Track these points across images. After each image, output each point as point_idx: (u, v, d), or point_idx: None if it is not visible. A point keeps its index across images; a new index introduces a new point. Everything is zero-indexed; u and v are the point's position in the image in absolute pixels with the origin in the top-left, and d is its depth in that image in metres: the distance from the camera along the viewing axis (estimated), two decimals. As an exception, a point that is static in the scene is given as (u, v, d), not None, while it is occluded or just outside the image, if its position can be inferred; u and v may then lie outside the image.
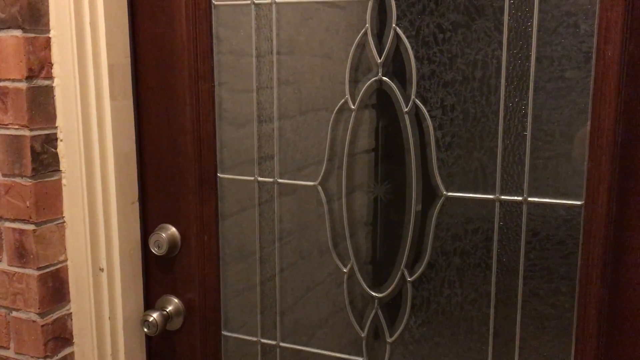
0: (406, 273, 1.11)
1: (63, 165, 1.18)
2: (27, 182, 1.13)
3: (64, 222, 1.20)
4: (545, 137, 0.98)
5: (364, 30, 1.07)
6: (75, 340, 1.23)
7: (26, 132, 1.12)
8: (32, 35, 1.11)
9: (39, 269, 1.16)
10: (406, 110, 1.06)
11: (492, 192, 1.02)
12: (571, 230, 0.98)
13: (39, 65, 1.12)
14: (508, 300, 1.03)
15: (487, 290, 1.04)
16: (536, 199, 0.99)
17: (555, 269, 1.00)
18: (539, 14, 0.95)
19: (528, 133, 0.98)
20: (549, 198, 0.98)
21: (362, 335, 1.16)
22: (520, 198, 1.00)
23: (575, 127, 0.96)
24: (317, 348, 1.21)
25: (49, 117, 1.15)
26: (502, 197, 1.01)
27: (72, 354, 1.23)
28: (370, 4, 1.06)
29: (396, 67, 1.07)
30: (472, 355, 1.08)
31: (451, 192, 1.05)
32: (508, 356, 1.05)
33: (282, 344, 1.23)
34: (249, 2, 1.14)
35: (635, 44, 0.90)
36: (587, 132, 0.94)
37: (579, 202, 0.96)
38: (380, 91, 1.10)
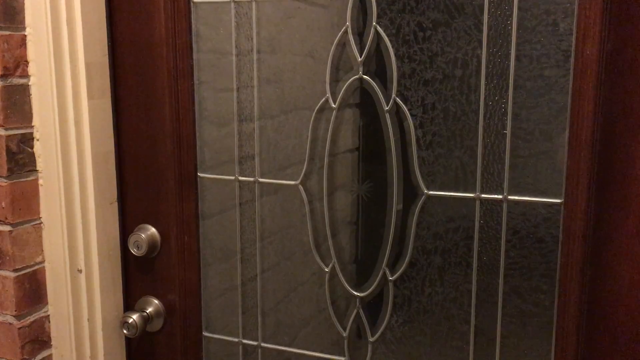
0: (387, 272, 1.10)
1: (40, 165, 1.16)
2: (2, 182, 1.11)
3: (41, 222, 1.18)
4: (525, 135, 0.98)
5: (344, 28, 1.07)
6: (53, 342, 1.22)
7: (1, 132, 1.10)
8: (7, 32, 1.09)
9: (15, 270, 1.14)
10: (387, 109, 1.06)
11: (473, 190, 1.02)
12: (551, 228, 0.98)
13: (15, 64, 1.11)
14: (489, 298, 1.04)
15: (468, 288, 1.05)
16: (516, 197, 1.00)
17: (535, 267, 1.00)
18: (519, 13, 0.95)
19: (508, 131, 0.98)
20: (529, 196, 0.99)
21: (344, 334, 1.16)
22: (500, 196, 1.00)
23: (555, 125, 0.96)
24: (299, 348, 1.20)
25: (25, 116, 1.14)
26: (483, 195, 1.01)
27: (50, 357, 1.22)
28: (350, 2, 1.05)
29: (377, 65, 1.07)
30: (454, 353, 1.08)
31: (432, 190, 1.05)
32: (489, 354, 1.05)
33: (263, 345, 1.23)
34: None
35: (613, 43, 0.90)
36: (566, 130, 0.94)
37: (558, 200, 0.97)
38: (361, 90, 1.09)
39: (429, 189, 1.06)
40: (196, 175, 1.20)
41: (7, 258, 1.13)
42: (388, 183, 1.09)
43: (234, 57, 1.15)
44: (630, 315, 0.95)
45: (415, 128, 1.05)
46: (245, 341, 1.24)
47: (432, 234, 1.07)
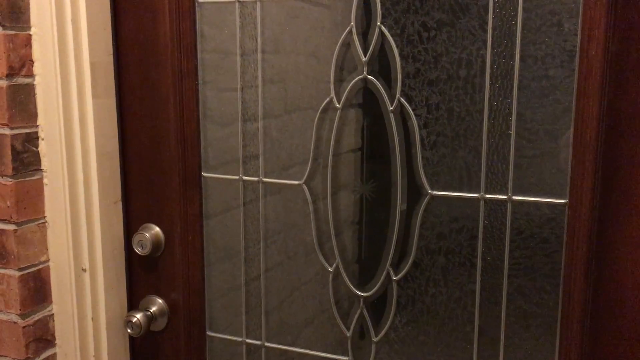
0: (391, 272, 1.10)
1: (44, 165, 1.16)
2: (7, 181, 1.11)
3: (46, 222, 1.18)
4: (529, 135, 0.98)
5: (348, 28, 1.07)
6: (57, 341, 1.22)
7: (6, 131, 1.10)
8: (13, 32, 1.09)
9: (20, 269, 1.14)
10: (391, 108, 1.06)
11: (477, 190, 1.02)
12: (555, 228, 0.98)
13: (20, 63, 1.11)
14: (493, 298, 1.04)
15: (472, 288, 1.05)
16: (520, 198, 0.99)
17: (539, 267, 1.00)
18: (523, 13, 0.95)
19: (512, 132, 0.98)
20: (533, 196, 0.99)
21: (348, 334, 1.16)
22: (504, 197, 1.00)
23: (559, 125, 0.96)
24: (303, 348, 1.20)
25: (30, 115, 1.14)
26: (487, 195, 1.01)
27: (54, 356, 1.22)
28: (355, 2, 1.05)
29: (381, 65, 1.07)
30: (458, 353, 1.08)
31: (436, 190, 1.05)
32: (493, 354, 1.05)
33: (267, 344, 1.23)
34: (233, 0, 1.14)
35: (618, 43, 0.90)
36: (571, 130, 0.94)
37: (562, 201, 0.97)
38: (366, 90, 1.09)
39: (433, 189, 1.06)
40: (200, 175, 1.21)
41: (12, 257, 1.13)
42: (392, 183, 1.09)
43: (238, 57, 1.15)
44: (635, 316, 0.95)
45: (420, 128, 1.05)
46: (248, 340, 1.24)
47: (436, 234, 1.07)
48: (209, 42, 1.17)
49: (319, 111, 1.12)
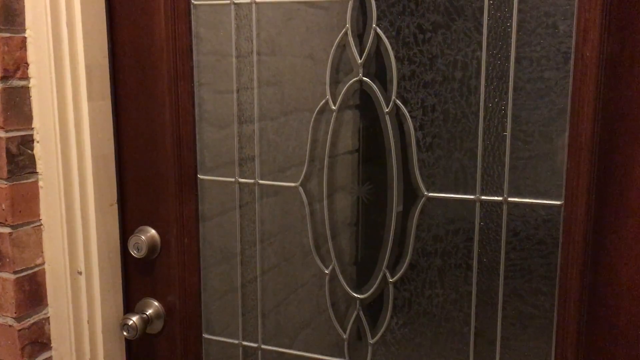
0: (388, 274, 1.10)
1: (40, 167, 1.16)
2: (2, 184, 1.11)
3: (41, 224, 1.18)
4: (525, 137, 0.98)
5: (344, 30, 1.07)
6: (53, 344, 1.22)
7: (1, 134, 1.10)
8: (7, 35, 1.09)
9: (15, 272, 1.14)
10: (387, 110, 1.06)
11: (473, 192, 1.02)
12: (551, 230, 0.98)
13: (15, 66, 1.11)
14: (489, 300, 1.04)
15: (468, 290, 1.05)
16: (516, 199, 0.99)
17: (535, 268, 1.00)
18: (518, 15, 0.95)
19: (508, 133, 0.98)
20: (529, 198, 0.99)
21: (344, 336, 1.16)
22: (500, 198, 1.00)
23: (554, 127, 0.96)
24: (299, 350, 1.20)
25: (25, 118, 1.14)
26: (483, 197, 1.01)
27: (50, 359, 1.21)
28: (350, 4, 1.05)
29: (377, 67, 1.07)
30: (454, 355, 1.08)
31: (432, 192, 1.05)
32: (489, 356, 1.05)
33: (263, 347, 1.23)
34: (228, 1, 1.14)
35: (613, 44, 0.90)
36: (566, 132, 0.94)
37: (558, 202, 0.97)
38: (361, 92, 1.09)
39: (429, 191, 1.06)
40: (196, 177, 1.20)
41: (7, 260, 1.13)
42: (388, 185, 1.09)
43: (234, 59, 1.15)
44: (630, 317, 0.95)
45: (415, 130, 1.05)
46: (245, 343, 1.24)
47: (432, 236, 1.07)
48: (205, 44, 1.17)
49: (315, 113, 1.12)
